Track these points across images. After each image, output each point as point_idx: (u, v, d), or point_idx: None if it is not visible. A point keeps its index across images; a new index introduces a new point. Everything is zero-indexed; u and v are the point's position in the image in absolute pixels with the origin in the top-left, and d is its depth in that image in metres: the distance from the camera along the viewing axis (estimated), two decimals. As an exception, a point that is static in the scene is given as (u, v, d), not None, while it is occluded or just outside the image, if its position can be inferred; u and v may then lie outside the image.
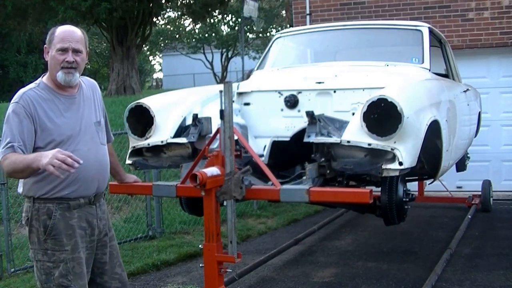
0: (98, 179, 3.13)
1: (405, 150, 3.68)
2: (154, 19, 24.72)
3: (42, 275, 2.99)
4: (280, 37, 5.95)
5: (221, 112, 3.60)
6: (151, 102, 4.45)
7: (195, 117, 4.33)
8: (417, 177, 5.87)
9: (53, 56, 3.01)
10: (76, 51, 3.02)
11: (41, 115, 2.96)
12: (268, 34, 32.68)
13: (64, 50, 2.99)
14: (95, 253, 3.16)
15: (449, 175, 7.02)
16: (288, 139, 4.52)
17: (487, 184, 8.29)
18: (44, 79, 3.11)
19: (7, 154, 2.88)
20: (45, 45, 3.07)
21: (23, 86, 3.11)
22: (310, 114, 4.02)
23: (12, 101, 2.99)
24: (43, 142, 2.96)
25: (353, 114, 4.14)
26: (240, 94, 4.88)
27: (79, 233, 3.04)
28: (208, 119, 4.36)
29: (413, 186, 7.40)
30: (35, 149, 2.94)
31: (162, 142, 4.34)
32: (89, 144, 3.09)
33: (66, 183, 2.97)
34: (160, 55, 42.89)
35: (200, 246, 3.79)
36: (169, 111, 4.48)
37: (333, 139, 3.86)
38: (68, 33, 3.02)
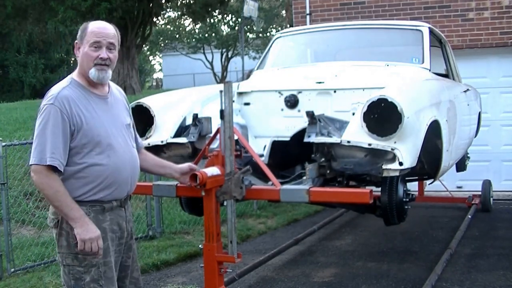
0: (130, 182, 3.04)
1: (405, 150, 3.68)
2: (154, 19, 24.68)
3: (71, 280, 2.85)
4: (280, 37, 5.95)
5: (221, 112, 3.60)
6: (151, 102, 4.45)
7: (195, 117, 4.34)
8: (417, 177, 5.86)
9: (86, 52, 2.88)
10: (109, 48, 2.92)
11: (77, 116, 2.82)
12: (268, 34, 32.65)
13: (97, 46, 2.88)
14: (121, 257, 3.05)
15: (449, 175, 7.03)
16: (288, 139, 4.52)
17: (487, 184, 8.28)
18: (75, 76, 2.95)
19: (49, 171, 2.74)
20: (75, 41, 2.95)
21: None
22: (310, 114, 4.02)
23: (45, 101, 2.81)
24: (79, 142, 2.83)
25: (353, 114, 4.14)
26: (240, 94, 4.88)
27: (110, 236, 2.93)
28: (208, 119, 4.36)
29: (413, 186, 7.39)
30: (71, 149, 2.82)
31: (162, 142, 4.35)
32: (124, 146, 2.98)
33: (102, 186, 2.88)
34: (160, 55, 42.82)
35: (200, 246, 3.80)
36: (169, 111, 4.49)
37: (333, 139, 3.86)
38: (102, 29, 2.91)
